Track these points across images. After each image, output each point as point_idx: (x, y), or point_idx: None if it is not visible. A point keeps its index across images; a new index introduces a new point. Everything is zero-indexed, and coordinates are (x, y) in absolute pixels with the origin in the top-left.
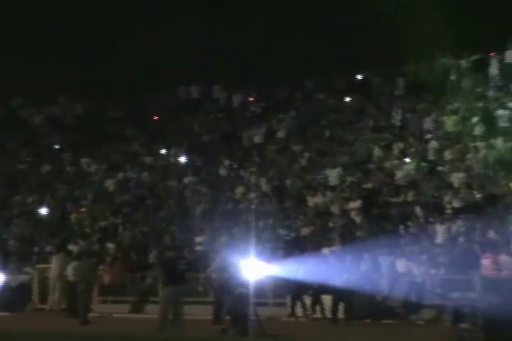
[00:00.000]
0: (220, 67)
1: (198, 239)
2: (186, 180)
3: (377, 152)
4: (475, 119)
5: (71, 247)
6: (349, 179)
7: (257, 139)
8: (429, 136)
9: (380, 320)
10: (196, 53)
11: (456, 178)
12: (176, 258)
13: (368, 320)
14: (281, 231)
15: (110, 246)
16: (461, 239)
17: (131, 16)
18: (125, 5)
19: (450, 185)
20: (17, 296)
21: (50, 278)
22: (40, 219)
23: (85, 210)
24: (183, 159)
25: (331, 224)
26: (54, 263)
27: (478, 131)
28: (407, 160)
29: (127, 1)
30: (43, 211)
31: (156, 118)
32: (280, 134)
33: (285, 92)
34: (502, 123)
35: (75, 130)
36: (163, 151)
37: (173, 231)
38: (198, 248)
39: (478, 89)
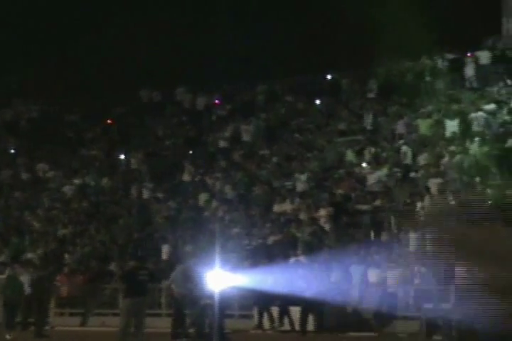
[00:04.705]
0: (183, 69)
1: (165, 248)
2: (148, 186)
3: (348, 157)
4: (450, 122)
5: (29, 256)
6: (318, 185)
7: (223, 143)
8: (402, 140)
9: (352, 332)
10: (159, 54)
11: (433, 184)
12: (136, 269)
13: (338, 332)
14: (246, 240)
15: (68, 255)
16: (434, 248)
17: (92, 16)
18: (86, 5)
19: (423, 191)
20: None
21: None
22: None
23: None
24: (144, 164)
25: (299, 233)
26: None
27: (453, 134)
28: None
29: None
30: None
31: (109, 121)
32: (246, 138)
33: (252, 94)
34: (477, 127)
35: (31, 134)
36: (124, 156)
37: (135, 240)
38: (164, 257)
39: (451, 92)
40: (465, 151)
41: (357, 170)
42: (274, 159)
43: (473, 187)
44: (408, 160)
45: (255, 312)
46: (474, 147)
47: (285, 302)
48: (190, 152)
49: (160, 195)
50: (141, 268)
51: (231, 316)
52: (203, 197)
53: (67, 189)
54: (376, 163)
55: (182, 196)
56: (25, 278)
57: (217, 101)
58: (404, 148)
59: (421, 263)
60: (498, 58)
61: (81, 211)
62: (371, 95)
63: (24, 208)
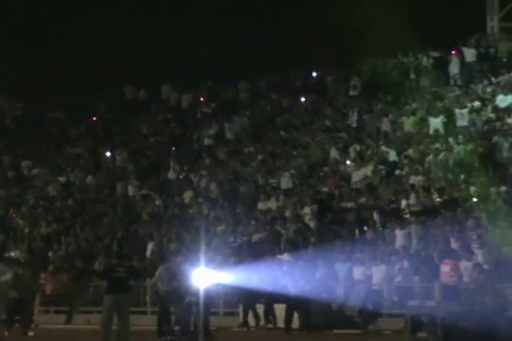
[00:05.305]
0: (168, 67)
1: (150, 246)
2: (133, 183)
3: (332, 154)
4: (434, 120)
5: (13, 254)
6: (303, 183)
7: (207, 141)
8: (385, 139)
9: (337, 330)
10: (144, 52)
11: (416, 181)
12: (114, 266)
13: (323, 330)
14: (231, 238)
15: (53, 253)
16: (419, 245)
17: (75, 12)
18: (72, 2)
19: (408, 189)
20: None
21: None
22: None
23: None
24: (129, 162)
25: (284, 230)
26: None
27: (436, 132)
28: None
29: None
30: None
31: (94, 119)
32: (231, 136)
33: (237, 92)
34: (460, 123)
35: (15, 132)
36: (109, 154)
37: (119, 237)
38: (148, 255)
39: (435, 89)
40: (449, 149)
41: (342, 167)
42: (259, 157)
43: (458, 185)
44: (391, 158)
45: (240, 310)
46: (460, 147)
47: (270, 299)
48: (175, 150)
49: (145, 192)
50: (120, 265)
51: (216, 314)
52: (187, 195)
53: (52, 186)
54: (361, 160)
55: (167, 194)
56: (10, 276)
57: (201, 99)
58: (389, 145)
59: (405, 260)
60: (482, 56)
61: (66, 209)
62: (354, 93)
63: (9, 206)
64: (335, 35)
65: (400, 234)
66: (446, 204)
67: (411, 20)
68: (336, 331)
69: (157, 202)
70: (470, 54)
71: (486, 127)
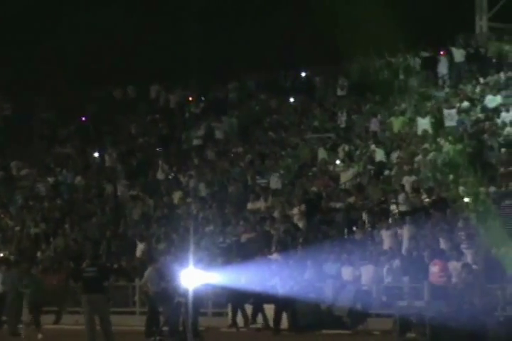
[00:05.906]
0: (158, 66)
1: (140, 246)
2: (121, 183)
3: (321, 154)
4: (422, 120)
5: (1, 254)
6: (292, 183)
7: (196, 141)
8: (374, 139)
9: (326, 330)
10: (133, 52)
11: (407, 182)
12: (84, 266)
13: (312, 330)
14: (220, 238)
15: (40, 253)
16: (409, 245)
17: (65, 12)
18: (56, 2)
19: (397, 189)
20: None
21: None
22: None
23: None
24: (118, 162)
25: (273, 230)
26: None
27: (424, 132)
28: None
29: None
30: None
31: (83, 119)
32: (220, 136)
33: (225, 92)
34: (449, 124)
35: (4, 131)
36: (97, 154)
37: (108, 237)
38: (137, 255)
39: (423, 89)
40: (438, 149)
41: (330, 167)
42: (248, 157)
43: (447, 185)
44: (380, 158)
45: (229, 310)
46: (448, 145)
47: (259, 300)
48: (164, 150)
49: (134, 193)
50: (91, 265)
51: (205, 314)
52: (176, 195)
53: (41, 186)
54: (350, 160)
55: (156, 194)
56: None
57: (190, 99)
58: (377, 145)
59: (394, 261)
60: (471, 56)
61: (55, 209)
62: (341, 93)
63: None
64: (323, 35)
65: (388, 234)
66: (435, 205)
67: (400, 20)
68: (324, 331)
69: (147, 202)
70: (459, 54)
71: (474, 127)
